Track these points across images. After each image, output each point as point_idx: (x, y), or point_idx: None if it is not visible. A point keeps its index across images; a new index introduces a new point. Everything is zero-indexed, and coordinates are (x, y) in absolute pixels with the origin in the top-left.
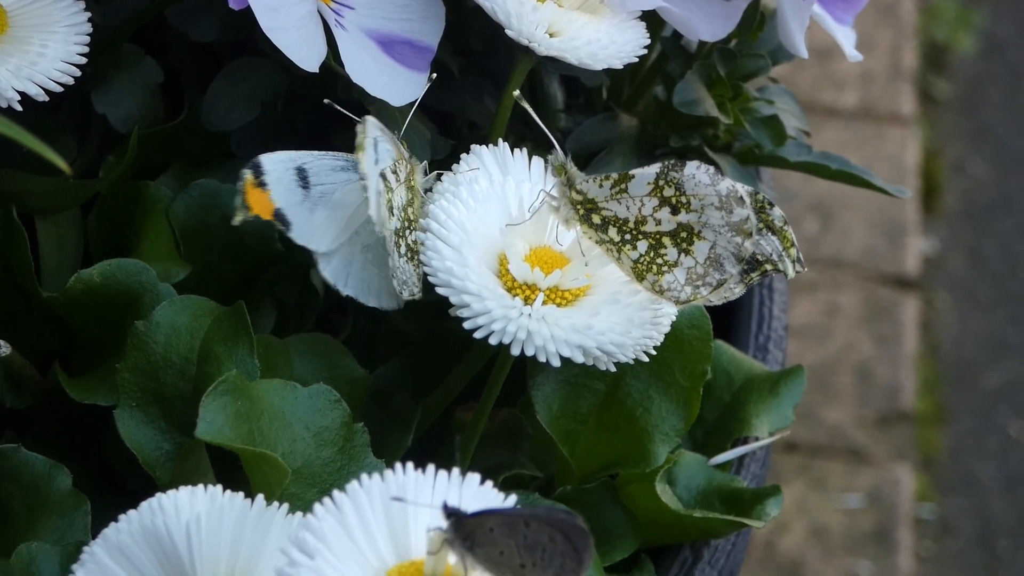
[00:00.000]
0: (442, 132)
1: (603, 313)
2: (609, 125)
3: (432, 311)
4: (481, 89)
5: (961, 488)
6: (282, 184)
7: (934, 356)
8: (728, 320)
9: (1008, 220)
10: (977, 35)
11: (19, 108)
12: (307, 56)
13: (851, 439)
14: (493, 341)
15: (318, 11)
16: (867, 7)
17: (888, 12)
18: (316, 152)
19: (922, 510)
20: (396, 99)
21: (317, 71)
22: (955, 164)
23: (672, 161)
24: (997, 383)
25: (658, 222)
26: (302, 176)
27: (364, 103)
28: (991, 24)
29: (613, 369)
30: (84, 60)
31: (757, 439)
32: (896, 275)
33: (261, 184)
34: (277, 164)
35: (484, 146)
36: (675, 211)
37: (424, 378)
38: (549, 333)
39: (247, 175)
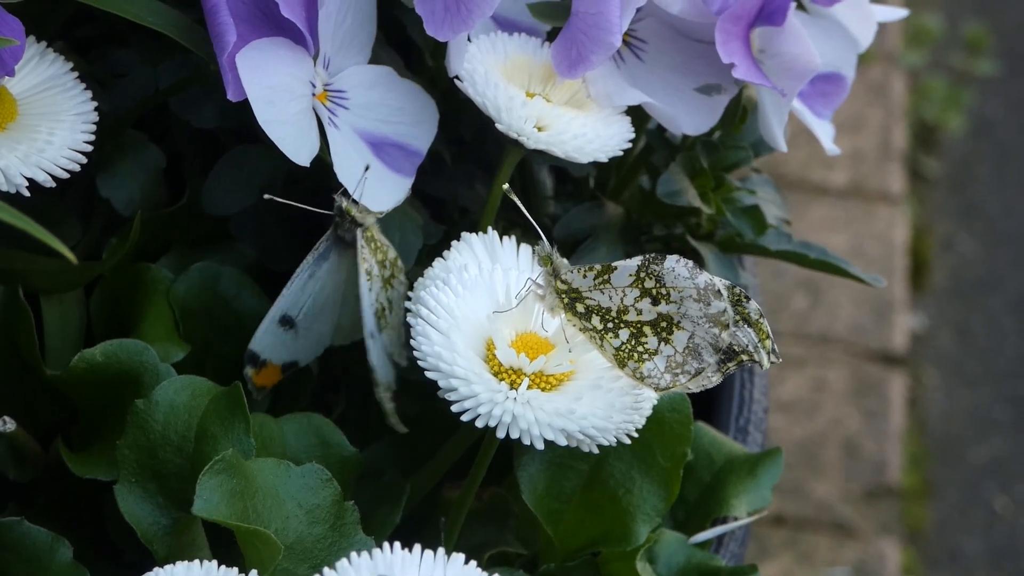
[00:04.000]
0: (434, 217)
1: (586, 398)
2: (595, 213)
3: (422, 391)
4: (472, 177)
5: (947, 562)
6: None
7: (921, 431)
8: (710, 403)
9: (996, 297)
10: (966, 115)
11: (27, 193)
12: (299, 150)
13: (838, 513)
14: (479, 424)
15: (313, 108)
16: (858, 87)
17: (878, 92)
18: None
19: None
20: (379, 204)
21: (308, 165)
22: (944, 242)
23: (653, 255)
24: (983, 458)
25: (639, 312)
26: (286, 322)
27: None
28: (980, 104)
29: (596, 451)
30: (90, 147)
31: (736, 519)
32: (884, 351)
33: (262, 365)
34: (264, 337)
35: (474, 234)
36: (655, 302)
37: (413, 456)
38: (533, 417)
39: (249, 371)
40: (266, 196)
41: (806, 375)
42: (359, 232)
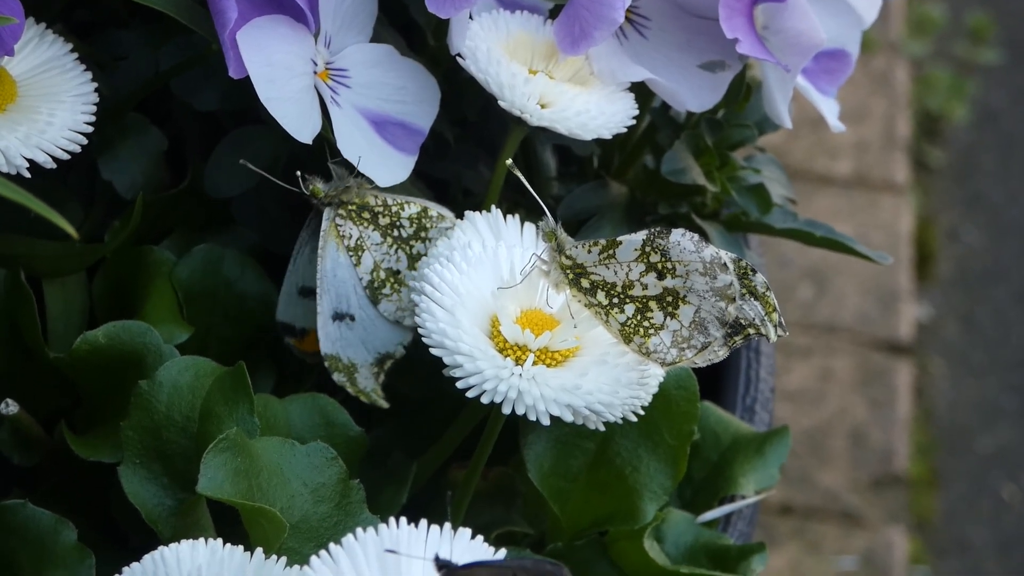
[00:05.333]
0: (438, 199)
1: (591, 373)
2: (600, 192)
3: (427, 372)
4: (476, 157)
5: (954, 551)
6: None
7: (928, 420)
8: (716, 382)
9: (1001, 287)
10: (970, 104)
11: (27, 175)
12: (301, 128)
13: (845, 502)
14: (485, 400)
15: (315, 86)
16: (861, 77)
17: (882, 81)
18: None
19: (916, 573)
20: (383, 180)
21: (311, 143)
22: (949, 231)
23: (658, 228)
24: (990, 448)
25: (644, 287)
26: (310, 292)
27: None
28: (984, 94)
29: (602, 428)
30: (91, 129)
31: (744, 497)
32: (890, 340)
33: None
34: (289, 309)
35: (478, 212)
36: (661, 276)
37: (419, 437)
38: (539, 392)
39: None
40: (241, 161)
41: (812, 364)
42: (326, 212)
